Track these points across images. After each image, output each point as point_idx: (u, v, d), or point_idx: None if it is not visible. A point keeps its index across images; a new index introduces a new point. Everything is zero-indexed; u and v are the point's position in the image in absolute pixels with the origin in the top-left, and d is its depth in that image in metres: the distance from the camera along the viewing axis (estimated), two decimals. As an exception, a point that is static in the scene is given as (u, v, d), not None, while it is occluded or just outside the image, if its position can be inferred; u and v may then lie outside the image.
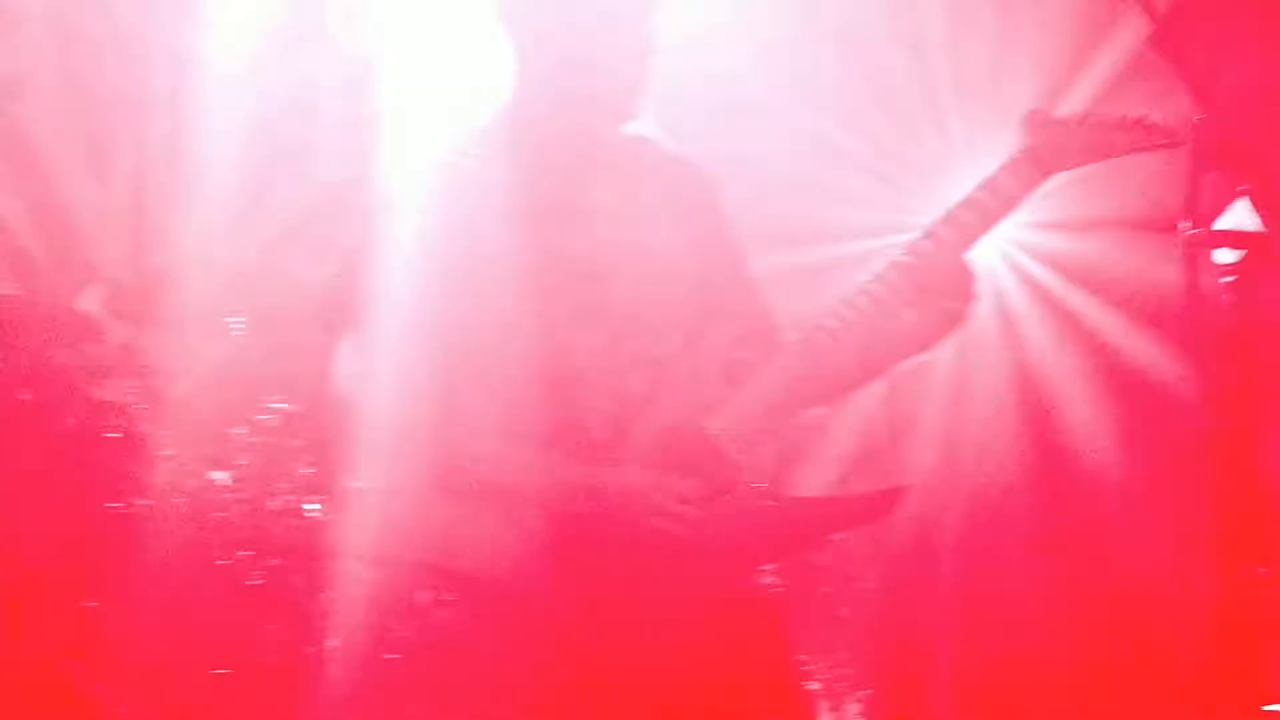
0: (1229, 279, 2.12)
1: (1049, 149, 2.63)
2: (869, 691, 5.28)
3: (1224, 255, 2.10)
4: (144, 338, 5.05)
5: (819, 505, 2.68)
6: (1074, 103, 5.10)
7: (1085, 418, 5.29)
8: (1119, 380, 5.26)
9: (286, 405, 4.42)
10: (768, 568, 2.75)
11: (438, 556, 2.59)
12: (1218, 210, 2.13)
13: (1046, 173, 2.65)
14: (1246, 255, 2.07)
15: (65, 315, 4.84)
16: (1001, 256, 5.42)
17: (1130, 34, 5.04)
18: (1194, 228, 2.13)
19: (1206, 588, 2.60)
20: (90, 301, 4.92)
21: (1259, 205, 2.03)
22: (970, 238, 2.66)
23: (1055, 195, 4.96)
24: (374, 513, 2.70)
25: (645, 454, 2.58)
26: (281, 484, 4.34)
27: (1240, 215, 2.08)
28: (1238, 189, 2.08)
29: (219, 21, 5.48)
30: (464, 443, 2.58)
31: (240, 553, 4.23)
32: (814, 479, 2.92)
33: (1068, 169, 2.64)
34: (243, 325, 4.67)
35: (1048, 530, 5.31)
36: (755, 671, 2.68)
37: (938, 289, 2.65)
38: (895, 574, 5.34)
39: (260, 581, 4.22)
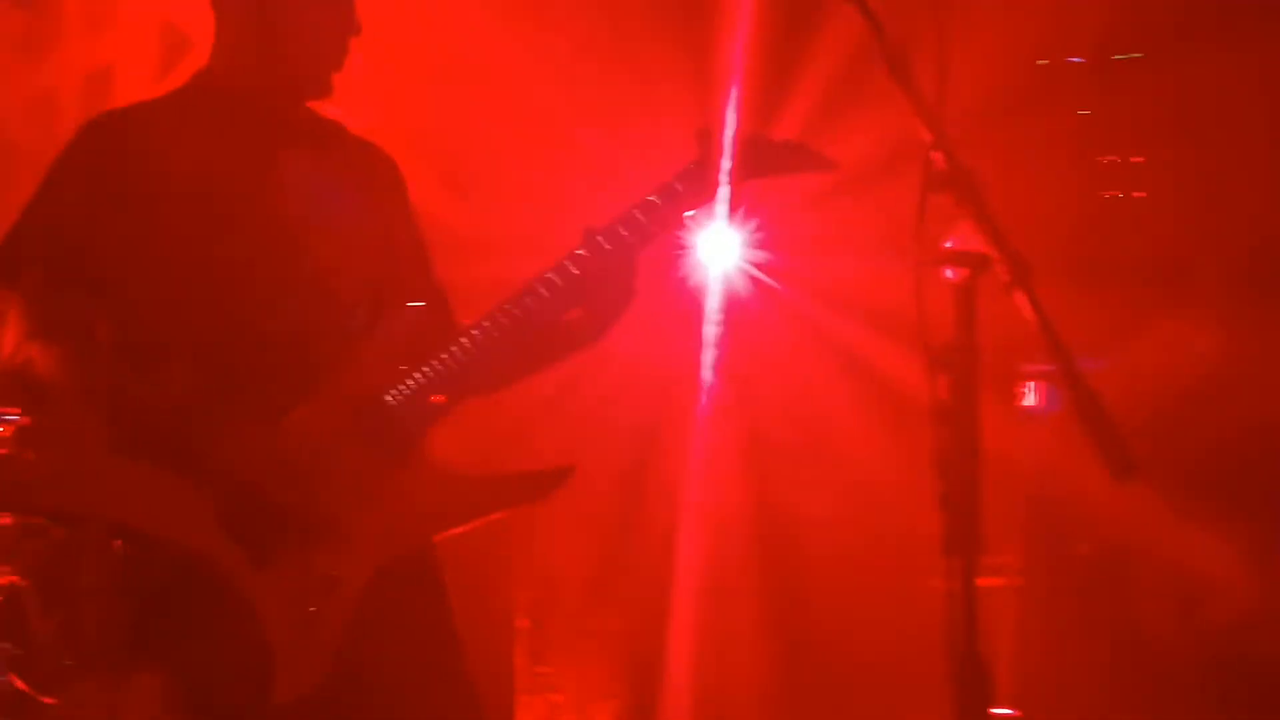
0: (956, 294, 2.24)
1: (716, 162, 2.81)
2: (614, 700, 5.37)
3: (950, 273, 2.23)
4: None
5: (486, 483, 2.77)
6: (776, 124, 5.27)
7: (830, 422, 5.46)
8: (857, 387, 5.43)
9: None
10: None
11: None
12: (945, 231, 2.26)
13: (714, 183, 2.81)
14: (970, 272, 2.20)
15: None
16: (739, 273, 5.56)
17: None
18: (924, 247, 2.25)
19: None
20: None
21: (981, 226, 2.17)
22: (639, 240, 2.79)
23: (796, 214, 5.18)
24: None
25: (329, 421, 2.62)
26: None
27: (965, 236, 2.21)
28: (962, 211, 2.21)
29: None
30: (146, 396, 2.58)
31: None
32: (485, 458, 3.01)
33: (733, 182, 2.81)
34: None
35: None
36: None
37: (601, 288, 2.77)
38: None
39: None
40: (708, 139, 2.86)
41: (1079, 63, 5.69)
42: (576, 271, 2.77)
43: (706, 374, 5.41)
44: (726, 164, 2.88)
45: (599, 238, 2.80)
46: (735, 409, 5.44)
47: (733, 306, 5.45)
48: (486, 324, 2.74)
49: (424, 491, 2.69)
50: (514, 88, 5.69)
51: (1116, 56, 5.65)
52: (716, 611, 5.44)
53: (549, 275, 2.78)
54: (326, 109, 2.87)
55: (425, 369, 2.71)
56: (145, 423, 2.58)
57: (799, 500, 5.45)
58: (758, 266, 5.48)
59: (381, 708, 2.70)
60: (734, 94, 5.13)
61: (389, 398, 2.68)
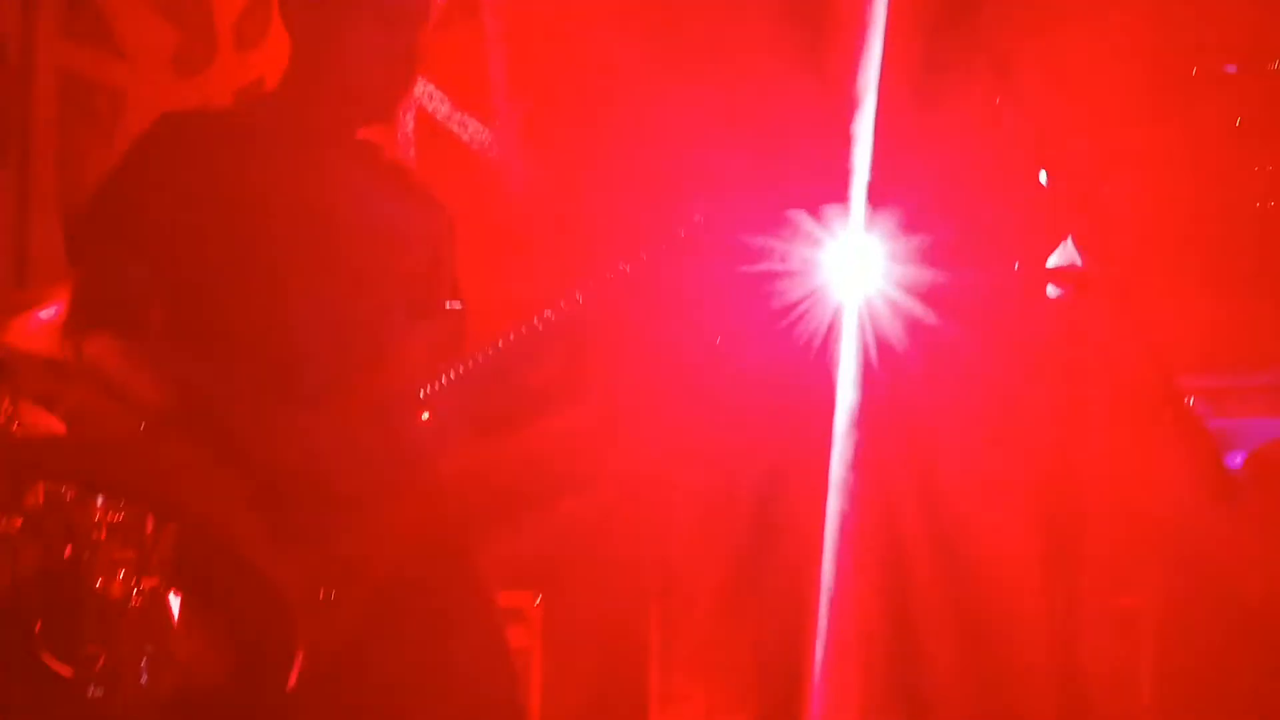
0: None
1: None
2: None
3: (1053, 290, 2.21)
4: (19, 355, 5.03)
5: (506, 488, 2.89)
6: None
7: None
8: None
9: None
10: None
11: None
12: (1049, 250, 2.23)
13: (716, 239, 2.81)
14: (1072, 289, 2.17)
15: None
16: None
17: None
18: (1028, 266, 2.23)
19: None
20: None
21: (1081, 246, 2.14)
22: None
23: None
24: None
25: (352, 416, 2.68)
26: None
27: (1067, 254, 2.18)
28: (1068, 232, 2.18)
29: (109, 40, 5.51)
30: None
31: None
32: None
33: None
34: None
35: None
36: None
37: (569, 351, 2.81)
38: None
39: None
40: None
41: (1233, 71, 5.57)
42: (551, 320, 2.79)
43: (844, 389, 5.37)
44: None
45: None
46: (871, 422, 5.39)
47: (872, 326, 5.40)
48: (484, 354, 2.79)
49: (449, 491, 2.75)
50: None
51: (1273, 65, 5.53)
52: (852, 623, 5.39)
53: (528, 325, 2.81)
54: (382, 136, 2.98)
55: (456, 373, 2.77)
56: (186, 403, 2.65)
57: (939, 513, 5.38)
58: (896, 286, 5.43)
59: (392, 703, 2.73)
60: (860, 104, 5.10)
61: (421, 396, 2.74)
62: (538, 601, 4.94)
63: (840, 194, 5.08)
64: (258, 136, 2.80)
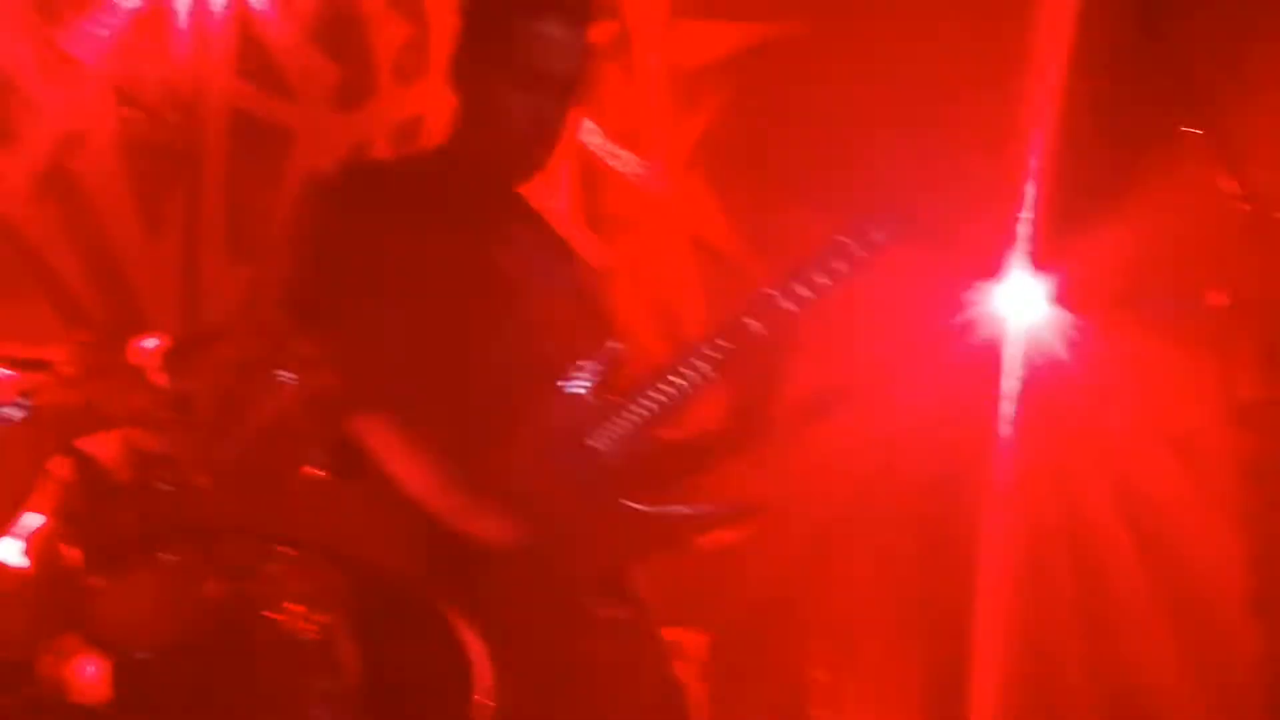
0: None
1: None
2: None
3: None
4: (195, 391, 5.12)
5: (674, 517, 2.79)
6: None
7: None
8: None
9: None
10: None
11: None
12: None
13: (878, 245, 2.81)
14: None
15: (117, 367, 4.90)
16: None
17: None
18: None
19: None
20: (142, 354, 4.97)
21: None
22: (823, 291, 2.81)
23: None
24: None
25: (530, 458, 2.75)
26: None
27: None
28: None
29: (271, 78, 5.62)
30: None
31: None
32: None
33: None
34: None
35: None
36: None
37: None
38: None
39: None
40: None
41: None
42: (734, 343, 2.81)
43: (1005, 425, 5.30)
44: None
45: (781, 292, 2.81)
46: (1035, 458, 5.31)
47: (1036, 358, 5.33)
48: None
49: (622, 519, 2.76)
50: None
51: None
52: (1021, 661, 5.30)
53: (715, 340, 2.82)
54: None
55: (619, 407, 2.80)
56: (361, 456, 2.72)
57: (1103, 553, 5.29)
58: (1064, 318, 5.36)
59: None
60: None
61: (594, 428, 2.78)
62: (703, 639, 4.93)
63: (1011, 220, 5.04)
64: (437, 192, 2.87)
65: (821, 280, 2.83)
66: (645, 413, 2.79)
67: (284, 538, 2.84)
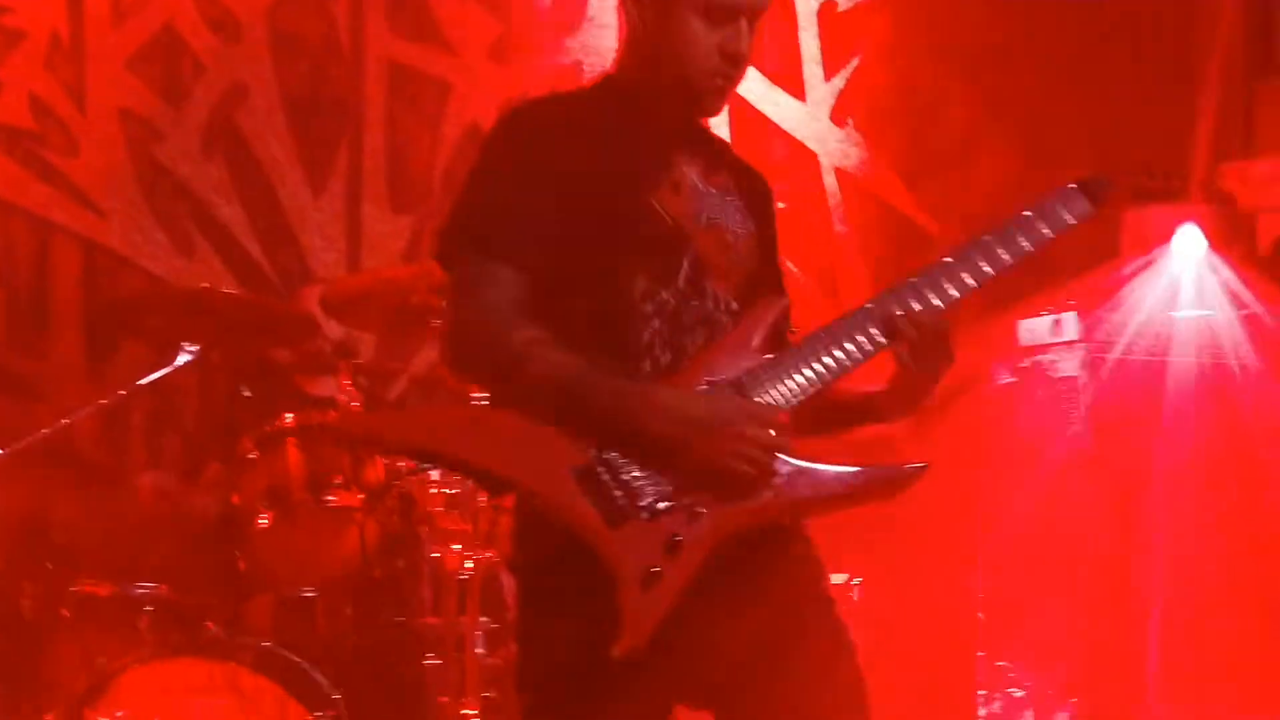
0: None
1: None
2: (1075, 700, 5.22)
3: None
4: (358, 337, 5.22)
5: (839, 474, 2.74)
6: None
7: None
8: None
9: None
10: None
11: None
12: None
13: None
14: None
15: (283, 314, 4.99)
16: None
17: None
18: None
19: None
20: (308, 301, 5.07)
21: None
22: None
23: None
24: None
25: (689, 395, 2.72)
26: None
27: None
28: None
29: (434, 33, 5.69)
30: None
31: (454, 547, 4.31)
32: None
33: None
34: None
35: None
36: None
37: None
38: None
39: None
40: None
41: None
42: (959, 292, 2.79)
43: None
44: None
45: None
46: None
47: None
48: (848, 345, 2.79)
49: (784, 448, 2.71)
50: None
51: None
52: (1185, 612, 5.22)
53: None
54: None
55: (783, 361, 2.77)
56: (525, 386, 2.70)
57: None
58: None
59: (724, 678, 2.74)
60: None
61: (747, 385, 2.74)
62: (856, 583, 4.89)
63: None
64: (605, 128, 2.84)
65: (1004, 258, 2.80)
66: (812, 375, 2.76)
67: (445, 459, 2.85)
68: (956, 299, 2.80)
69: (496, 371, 2.74)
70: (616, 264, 2.77)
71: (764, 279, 2.92)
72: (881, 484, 2.75)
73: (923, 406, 2.86)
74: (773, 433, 2.69)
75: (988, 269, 2.81)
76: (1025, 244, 2.82)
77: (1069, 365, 5.31)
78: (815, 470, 2.73)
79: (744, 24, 2.81)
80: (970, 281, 2.80)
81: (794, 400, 2.75)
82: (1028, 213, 2.84)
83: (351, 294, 4.78)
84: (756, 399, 2.73)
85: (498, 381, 2.78)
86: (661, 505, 2.65)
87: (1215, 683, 5.15)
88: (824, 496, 2.73)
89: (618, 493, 2.66)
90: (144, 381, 4.55)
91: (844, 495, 2.74)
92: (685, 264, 2.80)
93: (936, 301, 2.79)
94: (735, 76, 2.85)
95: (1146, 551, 5.22)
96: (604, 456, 2.67)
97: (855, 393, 2.89)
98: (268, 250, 5.57)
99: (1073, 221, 2.84)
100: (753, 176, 3.00)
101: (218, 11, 5.53)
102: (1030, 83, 5.97)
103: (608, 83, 2.93)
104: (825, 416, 2.87)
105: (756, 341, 2.79)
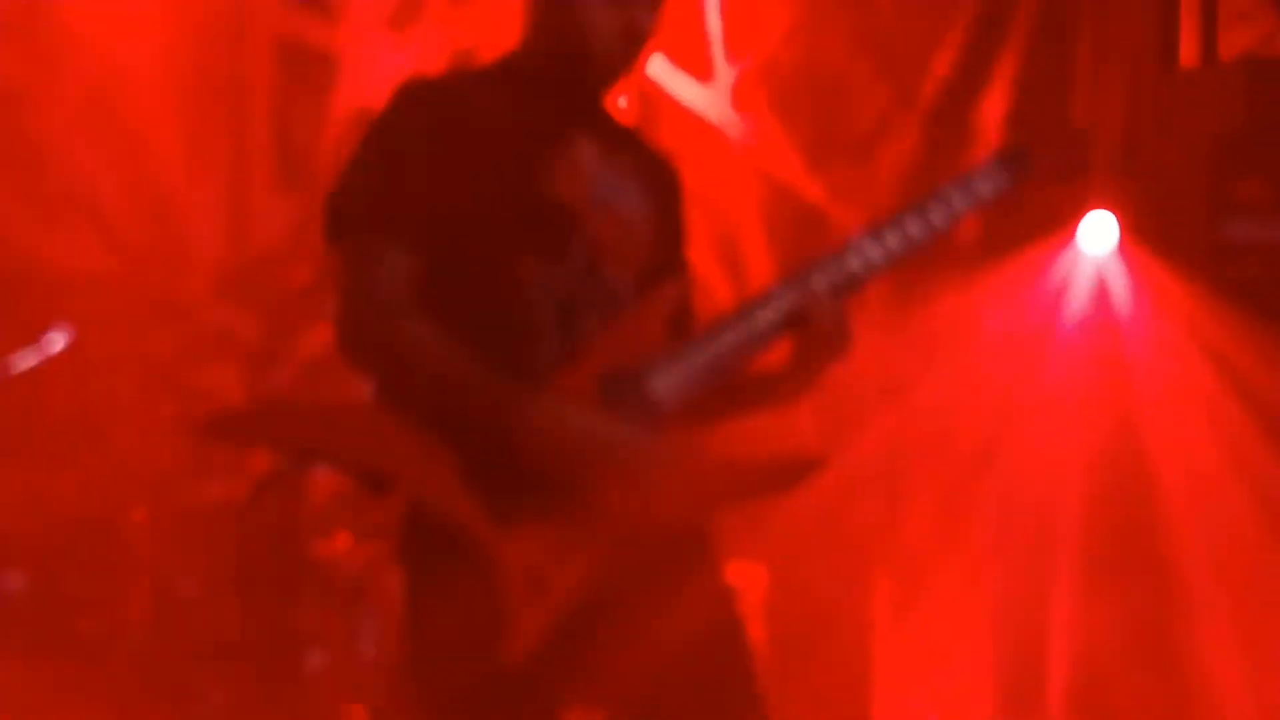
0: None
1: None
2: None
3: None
4: (242, 322, 5.09)
5: (735, 468, 2.70)
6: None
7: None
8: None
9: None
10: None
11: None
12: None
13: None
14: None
15: (163, 299, 4.89)
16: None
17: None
18: None
19: None
20: (189, 286, 4.97)
21: None
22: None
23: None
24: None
25: (582, 389, 2.65)
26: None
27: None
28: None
29: (319, 9, 5.58)
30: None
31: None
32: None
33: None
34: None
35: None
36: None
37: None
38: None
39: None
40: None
41: None
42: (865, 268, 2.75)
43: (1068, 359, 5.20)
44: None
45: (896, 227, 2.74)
46: (1105, 396, 5.19)
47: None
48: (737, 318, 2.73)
49: (672, 468, 2.65)
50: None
51: None
52: (1095, 609, 5.19)
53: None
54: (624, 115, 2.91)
55: (684, 348, 2.71)
56: (409, 384, 2.65)
57: (1174, 494, 5.17)
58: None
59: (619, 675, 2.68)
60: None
61: (644, 372, 2.68)
62: (761, 576, 4.86)
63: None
64: (500, 107, 2.78)
65: (915, 234, 2.76)
66: (712, 357, 2.71)
67: (330, 459, 2.75)
68: (865, 281, 2.75)
69: (381, 366, 2.68)
70: (505, 244, 2.71)
71: (665, 263, 2.86)
72: (777, 477, 2.69)
73: (810, 391, 2.81)
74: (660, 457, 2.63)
75: (897, 248, 2.75)
76: (938, 221, 2.78)
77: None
78: (703, 469, 2.68)
79: (645, 2, 2.77)
80: (879, 262, 2.75)
81: (692, 388, 2.69)
82: (945, 186, 2.79)
83: (234, 275, 4.68)
84: (655, 384, 2.66)
85: (382, 376, 2.71)
86: (549, 509, 2.60)
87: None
88: (713, 497, 2.71)
89: (504, 495, 2.59)
90: (16, 370, 4.46)
91: (737, 493, 2.71)
92: (576, 245, 2.74)
93: (844, 283, 2.73)
94: (637, 55, 2.81)
95: (1052, 551, 5.20)
96: (491, 458, 2.59)
97: (749, 377, 2.83)
98: (147, 231, 5.43)
99: (990, 196, 2.80)
100: (659, 162, 2.95)
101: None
102: (940, 69, 5.95)
103: (508, 61, 2.87)
104: (718, 402, 2.81)
105: (655, 326, 2.72)
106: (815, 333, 2.73)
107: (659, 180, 2.91)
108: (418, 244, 2.68)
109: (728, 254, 5.86)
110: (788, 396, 2.83)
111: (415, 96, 2.77)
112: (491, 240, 2.71)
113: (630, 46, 2.78)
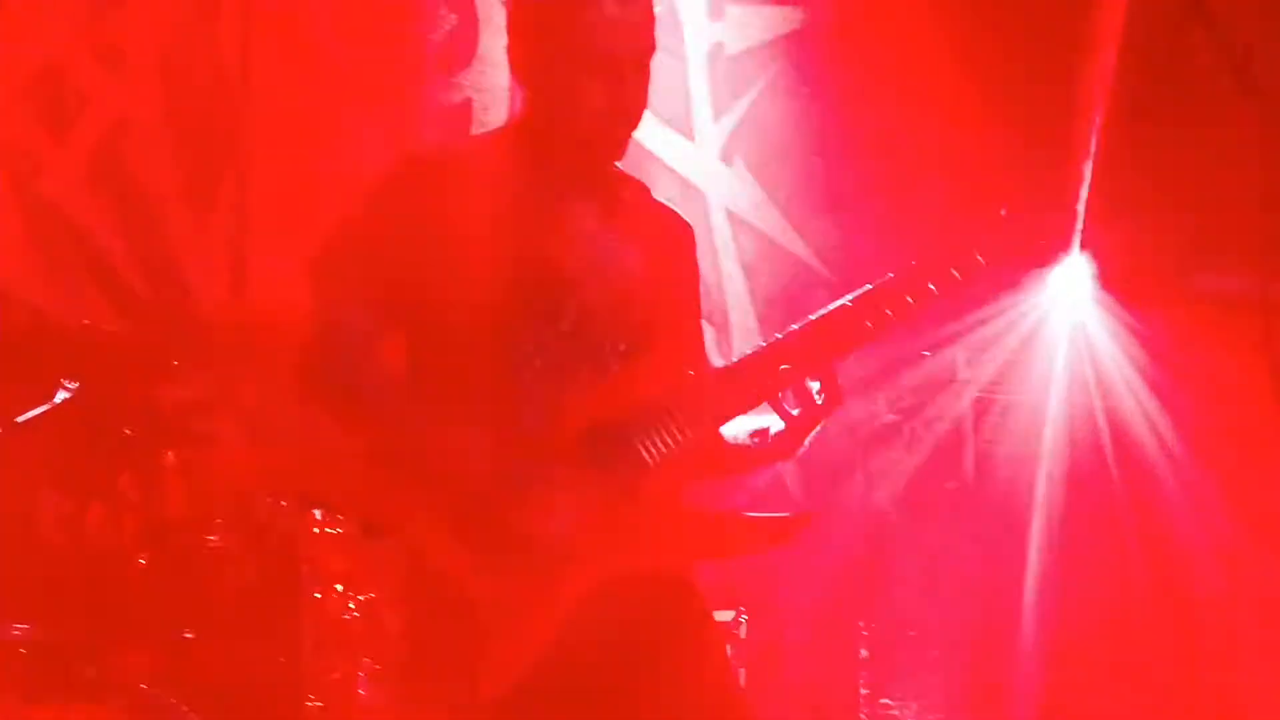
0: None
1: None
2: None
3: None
4: (245, 373, 5.14)
5: (722, 523, 2.78)
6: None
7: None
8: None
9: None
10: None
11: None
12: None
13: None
14: None
15: (167, 351, 4.90)
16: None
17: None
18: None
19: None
20: (192, 337, 4.99)
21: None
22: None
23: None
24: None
25: (570, 447, 2.71)
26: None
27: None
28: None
29: (320, 60, 5.63)
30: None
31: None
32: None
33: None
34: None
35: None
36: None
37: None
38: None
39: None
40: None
41: None
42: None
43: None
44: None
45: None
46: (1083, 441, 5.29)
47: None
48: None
49: (652, 523, 2.73)
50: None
51: None
52: (1067, 641, 5.28)
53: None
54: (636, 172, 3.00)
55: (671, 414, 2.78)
56: (402, 435, 2.73)
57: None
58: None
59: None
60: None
61: (631, 434, 2.75)
62: (741, 618, 4.90)
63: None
64: (500, 177, 2.84)
65: (886, 315, 2.82)
66: (695, 422, 2.78)
67: (329, 506, 2.85)
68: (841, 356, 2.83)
69: (332, 411, 2.77)
70: (495, 308, 2.77)
71: (667, 321, 2.91)
72: (768, 535, 2.79)
73: (795, 451, 2.88)
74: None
75: (869, 325, 2.83)
76: (901, 307, 2.83)
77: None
78: (689, 525, 2.77)
79: (629, 73, 2.81)
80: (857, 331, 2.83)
81: (677, 448, 2.76)
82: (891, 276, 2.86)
83: (234, 327, 4.72)
84: (644, 447, 2.74)
85: (334, 417, 2.79)
86: (534, 557, 2.68)
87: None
88: (702, 551, 2.79)
89: (492, 542, 2.67)
90: (22, 419, 4.47)
91: (723, 549, 2.79)
92: (568, 308, 2.80)
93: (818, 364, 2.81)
94: (631, 123, 2.86)
95: (1029, 591, 5.27)
96: (471, 507, 2.69)
97: (736, 440, 2.91)
98: (152, 283, 5.48)
99: (938, 292, 2.86)
100: (665, 220, 2.99)
101: (103, 44, 5.45)
102: (919, 127, 6.02)
103: (506, 130, 2.94)
104: (707, 463, 2.89)
105: (645, 387, 2.79)
106: (805, 405, 2.82)
107: (664, 239, 2.96)
108: (393, 312, 2.77)
109: (713, 311, 5.93)
110: (781, 454, 2.90)
111: (413, 168, 2.86)
112: (482, 304, 2.77)
113: (621, 119, 2.84)
